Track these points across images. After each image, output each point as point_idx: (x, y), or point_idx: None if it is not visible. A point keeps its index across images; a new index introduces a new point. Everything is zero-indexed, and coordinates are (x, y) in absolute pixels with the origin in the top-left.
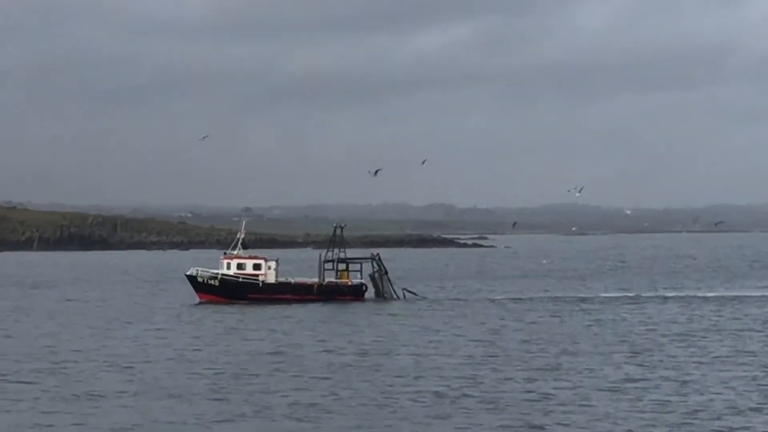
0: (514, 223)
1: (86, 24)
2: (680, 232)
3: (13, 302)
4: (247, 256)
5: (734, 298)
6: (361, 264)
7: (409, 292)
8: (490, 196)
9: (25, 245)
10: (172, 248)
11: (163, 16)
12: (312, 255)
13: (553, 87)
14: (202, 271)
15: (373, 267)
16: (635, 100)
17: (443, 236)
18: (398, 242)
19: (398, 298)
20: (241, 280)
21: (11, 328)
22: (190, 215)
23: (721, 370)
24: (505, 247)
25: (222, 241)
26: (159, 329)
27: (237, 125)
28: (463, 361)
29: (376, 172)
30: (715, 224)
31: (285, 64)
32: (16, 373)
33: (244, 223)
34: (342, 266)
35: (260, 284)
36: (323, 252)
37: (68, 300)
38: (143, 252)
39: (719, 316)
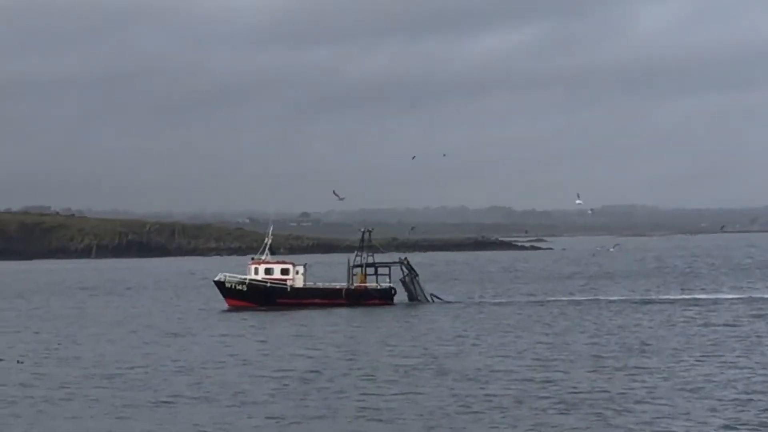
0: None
1: (146, 32)
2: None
3: (76, 310)
4: (274, 260)
5: None
6: (390, 268)
7: (437, 297)
8: (549, 198)
9: (84, 253)
10: (230, 254)
11: (222, 24)
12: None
13: (614, 89)
14: (230, 276)
15: (402, 271)
16: (696, 101)
17: (501, 239)
18: (457, 245)
19: (429, 302)
20: (269, 285)
21: (78, 334)
22: (248, 221)
23: None
24: (562, 249)
25: (280, 246)
26: (216, 335)
27: (296, 130)
28: (531, 363)
29: (341, 198)
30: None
31: (346, 69)
32: (86, 379)
33: (271, 228)
34: (370, 270)
35: (288, 289)
36: (351, 257)
37: (128, 306)
38: (200, 258)
39: None
